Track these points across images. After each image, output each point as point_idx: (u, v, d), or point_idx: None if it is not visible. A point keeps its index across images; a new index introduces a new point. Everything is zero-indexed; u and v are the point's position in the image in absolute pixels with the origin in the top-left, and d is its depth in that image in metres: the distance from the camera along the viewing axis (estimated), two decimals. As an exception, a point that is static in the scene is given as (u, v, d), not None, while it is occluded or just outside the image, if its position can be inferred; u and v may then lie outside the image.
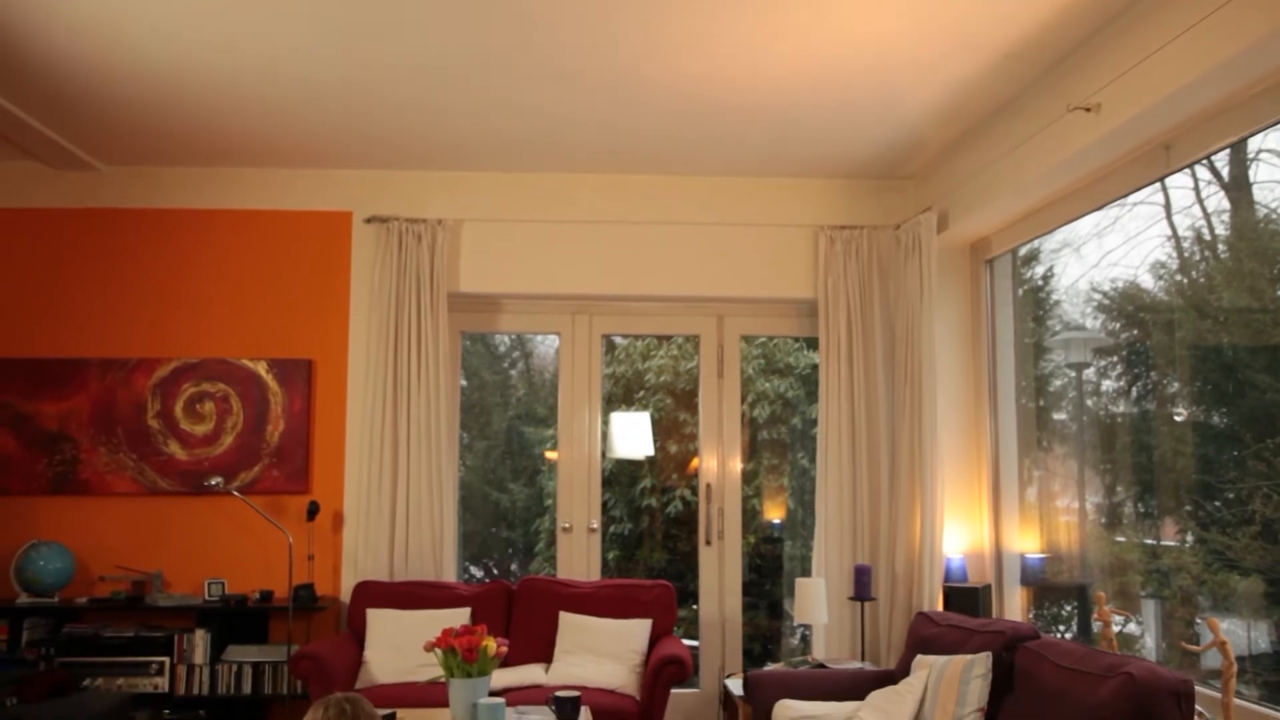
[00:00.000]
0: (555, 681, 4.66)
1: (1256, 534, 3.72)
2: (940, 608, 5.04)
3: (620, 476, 6.48)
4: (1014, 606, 5.20)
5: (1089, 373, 4.90)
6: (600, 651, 4.83)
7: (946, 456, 5.30)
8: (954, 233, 5.26)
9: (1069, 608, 5.07)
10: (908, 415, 5.28)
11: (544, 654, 4.98)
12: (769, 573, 6.34)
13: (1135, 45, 3.60)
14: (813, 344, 5.99)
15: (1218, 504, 3.95)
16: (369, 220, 5.56)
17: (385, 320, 5.41)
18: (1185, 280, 4.29)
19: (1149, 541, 4.41)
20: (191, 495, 5.42)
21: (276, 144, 5.23)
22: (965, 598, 4.88)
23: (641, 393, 6.61)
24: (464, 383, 6.07)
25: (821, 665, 4.74)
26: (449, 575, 5.36)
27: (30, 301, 5.51)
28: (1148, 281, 4.48)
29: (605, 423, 5.93)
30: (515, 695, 4.43)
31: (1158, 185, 4.14)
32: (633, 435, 6.22)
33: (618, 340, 6.61)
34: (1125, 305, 4.67)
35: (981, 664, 3.71)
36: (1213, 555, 3.94)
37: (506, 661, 4.79)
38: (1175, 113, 3.58)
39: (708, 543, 5.71)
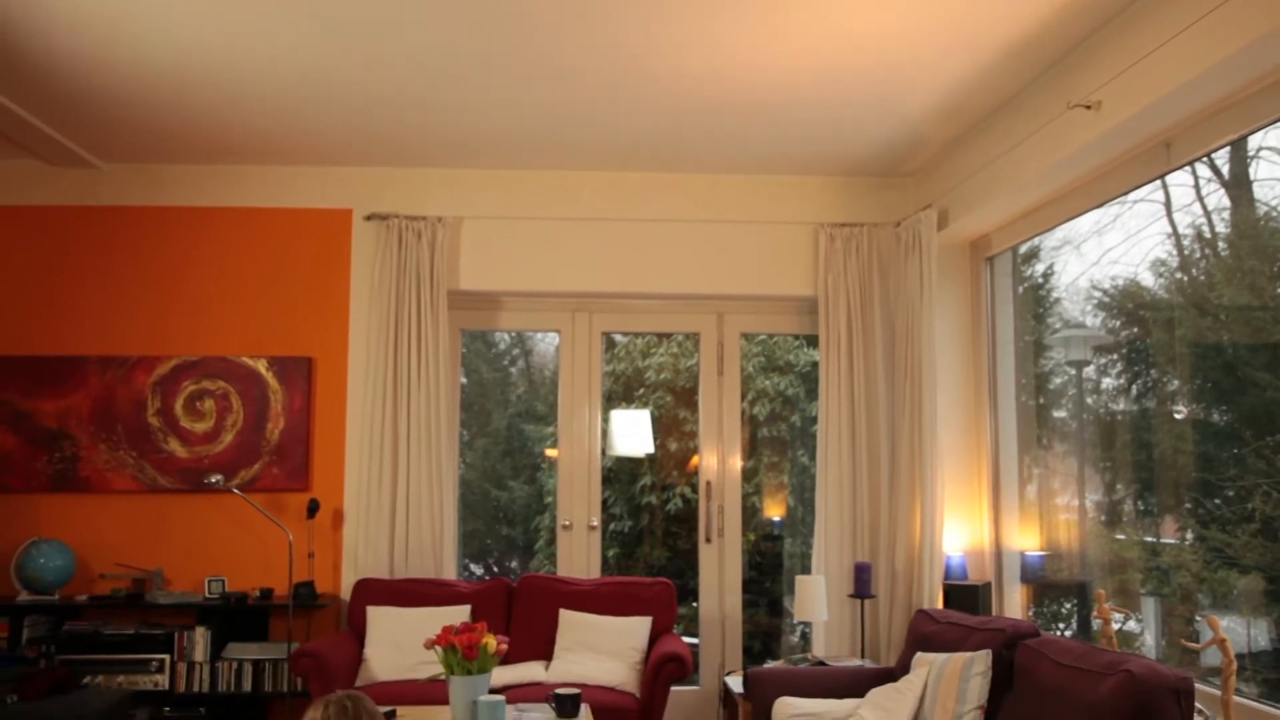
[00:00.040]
0: (555, 679, 4.66)
1: (1256, 531, 3.72)
2: (940, 605, 5.05)
3: (620, 474, 6.49)
4: (1014, 604, 5.20)
5: (1089, 370, 4.90)
6: (600, 649, 4.83)
7: (946, 454, 5.30)
8: (954, 230, 5.26)
9: (1069, 605, 5.08)
10: (908, 413, 5.28)
11: (544, 651, 4.98)
12: (769, 570, 6.34)
13: (1136, 43, 3.60)
14: (813, 341, 5.99)
15: (1217, 501, 3.95)
16: (369, 218, 5.56)
17: (385, 318, 5.41)
18: (1185, 278, 4.29)
19: (1149, 539, 4.41)
20: (191, 493, 5.42)
21: (276, 141, 5.23)
22: (965, 595, 4.88)
23: (641, 390, 6.61)
24: (464, 380, 6.07)
25: (821, 663, 4.74)
26: (449, 573, 5.37)
27: (30, 299, 5.51)
28: (1148, 279, 4.48)
29: (605, 420, 5.93)
30: (515, 693, 4.44)
31: (1158, 183, 4.14)
32: (633, 433, 6.22)
33: (618, 338, 6.61)
34: (1125, 303, 4.67)
35: (981, 661, 3.71)
36: (1212, 553, 3.94)
37: (506, 659, 4.79)
38: (1176, 110, 3.58)
39: (708, 540, 5.72)
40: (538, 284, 5.64)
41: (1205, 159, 3.90)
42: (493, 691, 4.02)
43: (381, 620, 4.94)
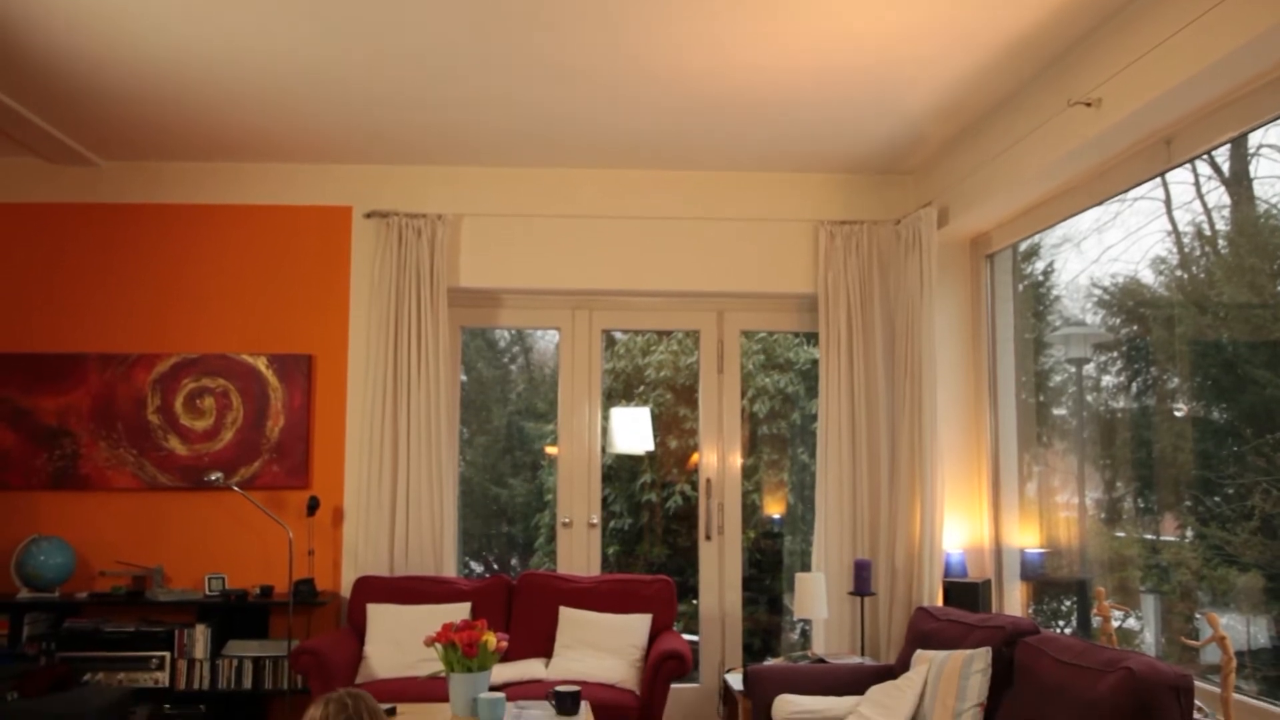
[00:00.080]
0: (555, 676, 4.66)
1: (1256, 529, 3.72)
2: (940, 603, 5.05)
3: (620, 471, 6.49)
4: (1014, 602, 5.20)
5: (1089, 368, 4.90)
6: (600, 646, 4.84)
7: (946, 452, 5.30)
8: (954, 228, 5.26)
9: (1068, 603, 5.08)
10: (908, 410, 5.28)
11: (544, 649, 4.98)
12: (769, 568, 6.35)
13: (1136, 40, 3.60)
14: (813, 339, 5.99)
15: (1217, 499, 3.95)
16: (369, 215, 5.56)
17: (385, 315, 5.41)
18: (1185, 275, 4.29)
19: (1148, 537, 4.41)
20: (192, 490, 5.42)
21: (276, 139, 5.22)
22: (965, 593, 4.89)
23: (641, 388, 6.61)
24: (464, 378, 6.07)
25: (821, 660, 4.74)
26: (449, 570, 5.37)
27: (30, 296, 5.51)
28: (1148, 277, 4.48)
29: (605, 418, 5.93)
30: (515, 690, 4.44)
31: (1158, 180, 4.14)
32: (633, 430, 6.23)
33: (618, 335, 6.61)
34: (1125, 300, 4.67)
35: (981, 659, 3.71)
36: (1212, 550, 3.94)
37: (506, 656, 4.79)
38: (1176, 107, 3.58)
39: (708, 538, 5.72)
40: (538, 281, 5.64)
41: (1206, 156, 3.90)
42: (493, 689, 4.02)
43: (381, 618, 4.94)
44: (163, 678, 5.02)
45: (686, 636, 5.14)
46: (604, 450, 5.85)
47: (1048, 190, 4.59)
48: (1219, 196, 4.06)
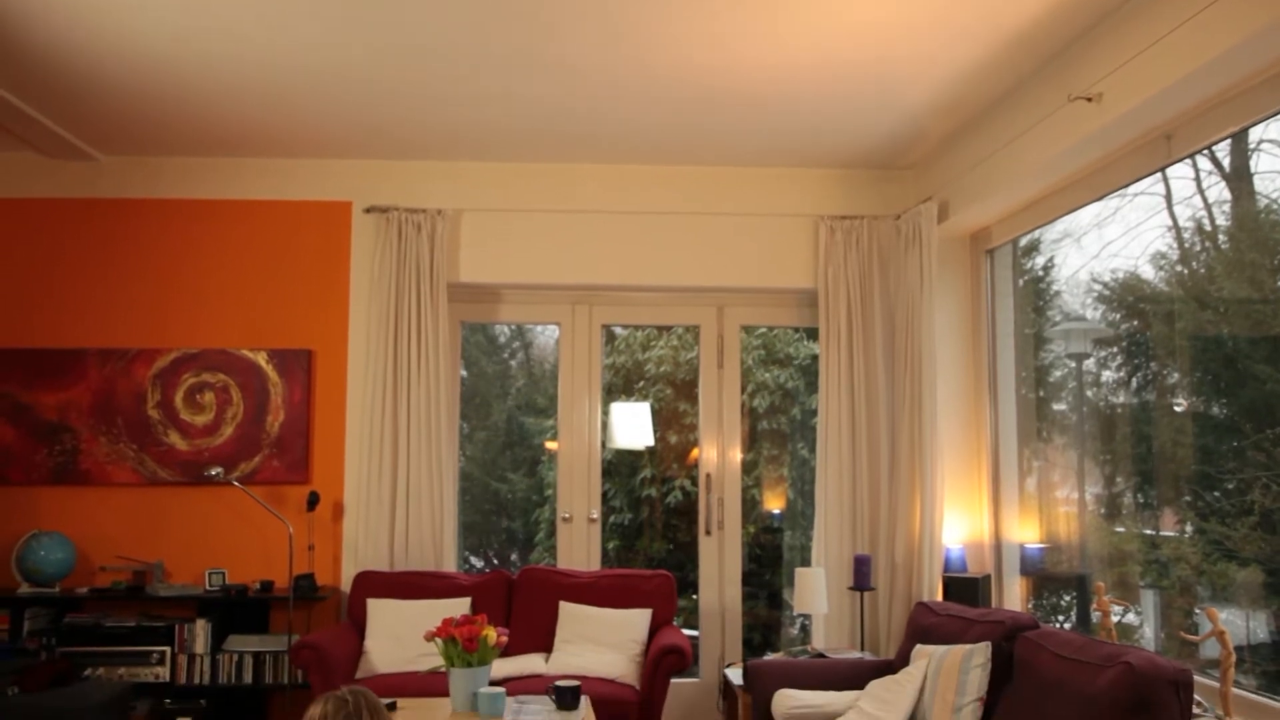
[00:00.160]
0: (555, 671, 4.67)
1: (1255, 524, 3.73)
2: (940, 598, 5.05)
3: (620, 467, 6.49)
4: (1013, 596, 5.21)
5: (1089, 363, 4.90)
6: (600, 641, 4.84)
7: (946, 447, 5.30)
8: (954, 223, 5.26)
9: (1068, 598, 5.08)
10: (908, 406, 5.28)
11: (544, 644, 4.99)
12: (769, 563, 6.35)
13: (1136, 35, 3.59)
14: (813, 334, 5.99)
15: (1217, 494, 3.95)
16: (369, 210, 5.56)
17: (385, 310, 5.41)
18: (1186, 271, 4.29)
19: (1148, 532, 4.41)
20: (192, 485, 5.43)
21: (276, 134, 5.22)
22: (965, 588, 4.89)
23: (641, 383, 6.61)
24: (464, 373, 6.07)
25: (821, 655, 4.75)
26: (449, 565, 5.37)
27: (29, 292, 5.50)
28: (1148, 272, 4.48)
29: (605, 413, 5.93)
30: (515, 684, 4.45)
31: (1158, 175, 4.13)
32: (633, 425, 6.23)
33: (618, 330, 6.61)
34: (1125, 296, 4.67)
35: (981, 653, 3.72)
36: (1212, 545, 3.95)
37: (506, 651, 4.80)
38: (1176, 103, 3.58)
39: (707, 533, 5.72)
40: (538, 276, 5.64)
41: (1206, 152, 3.90)
42: (493, 683, 4.03)
43: (382, 612, 4.95)
44: (163, 672, 5.03)
45: (686, 631, 5.14)
46: (604, 445, 5.85)
47: (1048, 185, 4.59)
48: (1219, 191, 4.06)
